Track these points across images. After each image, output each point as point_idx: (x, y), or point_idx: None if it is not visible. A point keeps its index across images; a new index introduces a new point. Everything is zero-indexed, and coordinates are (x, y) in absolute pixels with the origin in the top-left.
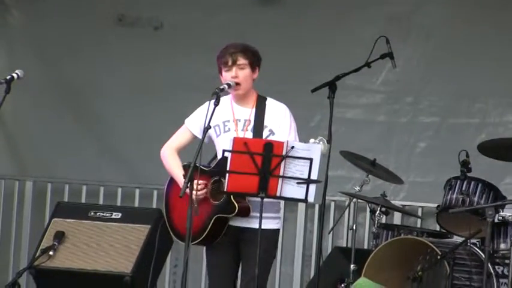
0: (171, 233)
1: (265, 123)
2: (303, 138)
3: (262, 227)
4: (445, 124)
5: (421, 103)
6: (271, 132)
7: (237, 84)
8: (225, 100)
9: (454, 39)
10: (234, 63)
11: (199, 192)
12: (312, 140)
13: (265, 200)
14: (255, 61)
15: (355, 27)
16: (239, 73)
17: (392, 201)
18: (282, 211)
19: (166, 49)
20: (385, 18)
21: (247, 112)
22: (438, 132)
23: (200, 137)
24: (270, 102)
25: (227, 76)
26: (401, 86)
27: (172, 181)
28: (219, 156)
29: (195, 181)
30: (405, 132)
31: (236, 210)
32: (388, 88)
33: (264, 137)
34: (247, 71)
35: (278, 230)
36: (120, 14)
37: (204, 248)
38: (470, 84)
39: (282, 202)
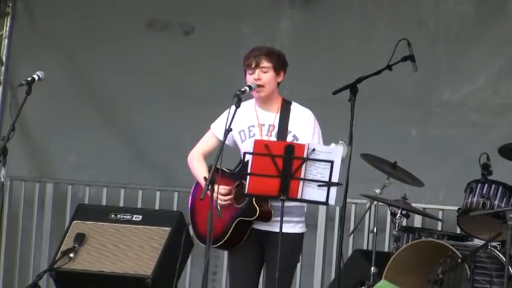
0: (196, 237)
1: (290, 128)
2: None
3: (287, 231)
4: (470, 128)
5: (449, 108)
6: (295, 138)
7: (259, 86)
8: (250, 105)
9: (482, 43)
10: (257, 65)
11: (224, 198)
12: (332, 145)
13: (291, 203)
14: (279, 65)
15: (387, 30)
16: (262, 76)
17: (413, 204)
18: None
19: (197, 54)
20: (414, 22)
21: (272, 117)
22: (465, 137)
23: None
24: (295, 107)
25: (250, 78)
26: (428, 91)
27: (198, 185)
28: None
29: (217, 185)
30: (432, 137)
31: (257, 214)
32: (416, 93)
33: None
34: (270, 74)
35: (303, 234)
36: (151, 19)
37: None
38: (500, 89)
39: (305, 205)
